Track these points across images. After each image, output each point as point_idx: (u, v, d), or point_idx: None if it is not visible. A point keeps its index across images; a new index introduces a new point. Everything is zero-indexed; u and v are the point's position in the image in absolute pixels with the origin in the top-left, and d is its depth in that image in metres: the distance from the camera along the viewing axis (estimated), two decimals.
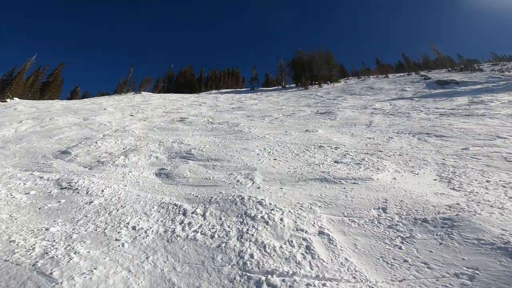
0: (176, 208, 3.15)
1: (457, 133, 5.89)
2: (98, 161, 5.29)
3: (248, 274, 1.98)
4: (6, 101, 20.47)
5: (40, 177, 4.35)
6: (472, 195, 3.02)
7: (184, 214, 3.00)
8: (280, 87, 34.77)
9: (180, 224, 2.78)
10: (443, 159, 4.38)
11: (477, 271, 1.84)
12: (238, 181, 3.96)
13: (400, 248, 2.21)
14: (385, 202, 3.00)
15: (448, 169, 3.93)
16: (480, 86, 14.60)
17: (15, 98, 22.76)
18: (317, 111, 10.95)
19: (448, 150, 4.86)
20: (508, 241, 2.06)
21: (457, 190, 3.20)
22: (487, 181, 3.38)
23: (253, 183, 3.84)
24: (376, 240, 2.36)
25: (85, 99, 27.90)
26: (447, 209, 2.71)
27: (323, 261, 2.09)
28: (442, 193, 3.14)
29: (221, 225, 2.72)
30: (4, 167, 4.99)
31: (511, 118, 6.77)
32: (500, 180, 3.37)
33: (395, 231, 2.46)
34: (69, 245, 2.40)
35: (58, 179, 4.26)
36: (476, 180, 3.46)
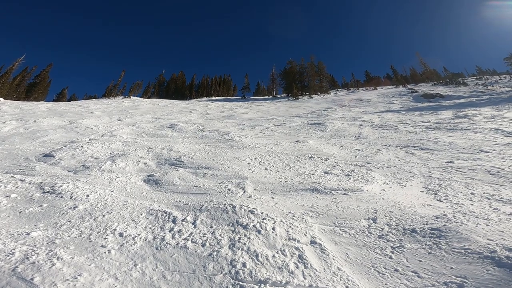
0: (166, 215, 3.08)
1: (442, 146, 6.07)
2: (83, 165, 5.13)
3: (240, 283, 1.94)
4: None
5: (22, 180, 4.17)
6: (458, 206, 3.12)
7: (174, 221, 2.93)
8: (271, 96, 35.14)
9: (169, 231, 2.71)
10: (429, 172, 4.49)
11: (465, 280, 1.88)
12: (229, 189, 3.92)
13: (391, 257, 2.24)
14: (375, 212, 3.05)
15: (434, 182, 4.04)
16: (464, 100, 15.19)
17: (0, 98, 22.04)
18: (308, 121, 11.08)
19: (433, 163, 4.99)
20: (494, 250, 2.12)
21: (444, 202, 3.30)
22: (471, 193, 3.49)
23: (244, 192, 3.81)
24: (367, 250, 2.38)
25: (72, 101, 27.29)
26: (435, 219, 2.78)
27: (316, 270, 2.09)
28: (429, 204, 3.22)
29: (212, 233, 2.67)
30: None
31: (494, 132, 7.05)
32: (484, 193, 3.49)
33: (385, 241, 2.49)
34: (52, 251, 2.29)
35: (41, 182, 4.10)
36: (461, 192, 3.57)
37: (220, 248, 2.40)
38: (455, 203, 3.22)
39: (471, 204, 3.15)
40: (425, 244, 2.37)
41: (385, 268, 2.11)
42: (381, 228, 2.71)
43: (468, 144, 6.05)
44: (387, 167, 4.89)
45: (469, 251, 2.18)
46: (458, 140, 6.54)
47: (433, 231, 2.54)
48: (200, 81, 47.24)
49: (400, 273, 2.03)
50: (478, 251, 2.15)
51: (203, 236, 2.61)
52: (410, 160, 5.25)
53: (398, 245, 2.41)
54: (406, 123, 9.68)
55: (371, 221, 2.88)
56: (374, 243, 2.48)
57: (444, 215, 2.87)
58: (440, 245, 2.32)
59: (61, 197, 3.60)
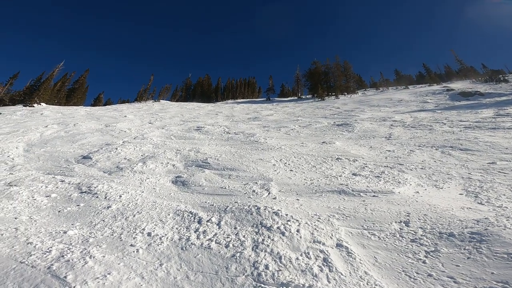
0: (191, 216, 3.13)
1: (483, 146, 5.60)
2: (117, 167, 5.41)
3: (262, 285, 1.91)
4: (33, 106, 21.63)
5: (62, 181, 4.48)
6: (501, 209, 2.87)
7: (199, 222, 2.97)
8: (296, 97, 34.74)
9: (195, 232, 2.76)
10: (469, 173, 4.16)
11: (507, 285, 1.74)
12: (253, 191, 3.91)
13: (424, 262, 2.10)
14: (408, 215, 2.87)
15: (475, 184, 3.73)
16: (506, 98, 13.93)
17: (42, 103, 24.00)
18: (334, 122, 10.79)
19: (474, 164, 4.61)
20: None
21: (485, 205, 3.05)
22: None
23: (269, 194, 3.78)
24: (398, 254, 2.25)
25: (107, 106, 28.99)
26: (475, 223, 2.57)
27: (341, 274, 2.00)
28: (469, 208, 2.99)
29: (236, 234, 2.67)
30: (28, 170, 5.19)
31: None
32: None
33: (418, 245, 2.34)
34: (85, 249, 2.42)
35: (79, 183, 4.38)
36: (504, 195, 3.28)
37: (243, 249, 2.39)
38: (497, 206, 2.96)
39: None
40: (464, 249, 2.20)
41: (417, 273, 1.98)
42: (414, 232, 2.55)
43: (511, 144, 5.53)
44: (421, 168, 4.60)
45: None
46: (501, 139, 6.00)
47: (473, 235, 2.35)
48: (225, 84, 48.07)
49: (434, 278, 1.90)
50: None
51: (227, 237, 2.62)
52: (448, 161, 4.89)
53: (433, 249, 2.25)
54: (442, 122, 9.07)
55: (403, 224, 2.72)
56: (406, 247, 2.34)
57: (485, 218, 2.65)
58: (480, 250, 2.15)
59: (97, 197, 3.81)
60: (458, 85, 22.92)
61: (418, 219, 2.79)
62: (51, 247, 2.44)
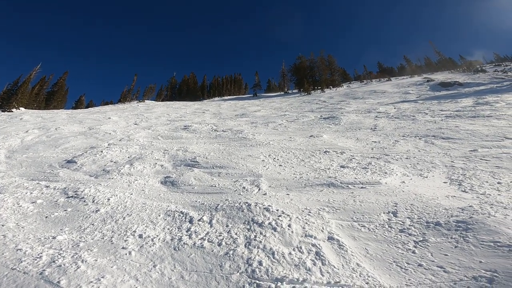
0: (183, 216, 3.12)
1: (464, 134, 5.82)
2: (103, 170, 5.29)
3: (257, 281, 1.93)
4: (12, 111, 20.79)
5: (47, 186, 4.36)
6: (484, 197, 2.98)
7: (191, 221, 2.97)
8: (283, 92, 34.85)
9: (186, 231, 2.75)
10: (452, 162, 4.32)
11: (495, 274, 1.79)
12: (244, 188, 3.93)
13: (414, 252, 2.17)
14: (395, 206, 2.96)
15: (458, 172, 3.88)
16: (484, 87, 14.48)
17: (21, 108, 23.09)
18: (321, 116, 10.93)
19: (456, 152, 4.79)
20: None
21: (469, 193, 3.17)
22: (498, 183, 3.33)
23: (259, 190, 3.81)
24: (388, 245, 2.31)
25: (90, 108, 28.23)
26: (460, 211, 2.67)
27: (334, 267, 2.05)
28: (454, 196, 3.10)
29: (228, 232, 2.69)
30: (11, 177, 5.01)
31: None
32: (511, 181, 3.31)
33: (407, 235, 2.42)
34: (76, 254, 2.38)
35: (65, 188, 4.27)
36: (487, 182, 3.41)
37: (236, 247, 2.41)
38: (481, 194, 3.08)
39: (499, 194, 3.00)
40: (451, 238, 2.28)
41: (408, 263, 2.04)
42: (403, 222, 2.63)
43: (491, 132, 5.77)
44: (406, 158, 4.74)
45: (498, 243, 2.07)
46: (481, 127, 6.25)
47: (459, 224, 2.44)
48: (211, 82, 47.60)
49: (425, 268, 1.96)
50: (509, 244, 2.04)
51: (219, 236, 2.63)
52: (431, 150, 5.06)
53: (422, 239, 2.32)
54: (424, 112, 9.35)
55: (391, 215, 2.80)
56: (395, 237, 2.41)
57: (470, 206, 2.75)
58: (467, 238, 2.22)
59: (84, 201, 3.73)
60: (438, 76, 23.60)
61: (405, 209, 2.87)
62: (41, 253, 2.39)
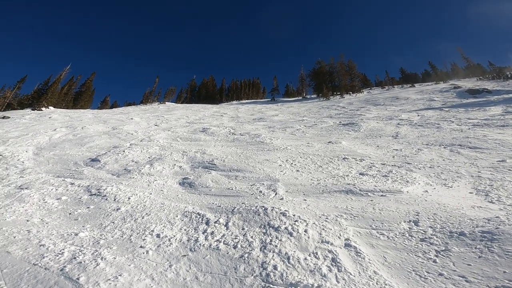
0: (199, 217, 3.16)
1: (492, 144, 5.52)
2: (125, 169, 5.47)
3: (271, 286, 1.92)
4: (41, 110, 21.98)
5: (72, 183, 4.55)
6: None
7: (207, 223, 2.99)
8: (301, 97, 34.65)
9: (203, 233, 2.78)
10: (479, 172, 4.11)
11: None
12: (260, 192, 3.92)
13: (435, 261, 2.08)
14: (417, 215, 2.85)
15: (485, 182, 3.69)
16: None
17: (50, 107, 24.38)
18: (340, 122, 10.74)
19: (483, 162, 4.55)
20: None
21: (496, 203, 3.02)
22: None
23: (276, 194, 3.78)
24: (407, 253, 2.23)
25: (114, 108, 29.34)
26: (486, 222, 2.54)
27: (350, 274, 2.00)
28: (480, 206, 2.96)
29: (244, 235, 2.68)
30: (38, 173, 5.28)
31: None
32: None
33: (428, 244, 2.33)
34: (96, 251, 2.46)
35: (88, 185, 4.44)
36: None
37: (251, 250, 2.40)
38: (508, 205, 2.92)
39: None
40: (475, 248, 2.18)
41: (428, 272, 1.96)
42: (424, 231, 2.53)
43: None
44: (430, 167, 4.55)
45: None
46: (510, 137, 5.91)
47: (484, 234, 2.33)
48: (229, 85, 48.24)
49: (445, 277, 1.88)
50: None
51: (235, 238, 2.63)
52: (456, 160, 4.84)
53: (444, 248, 2.23)
54: (450, 120, 8.96)
55: (412, 223, 2.70)
56: (416, 246, 2.32)
57: (496, 217, 2.62)
58: (492, 249, 2.12)
59: (106, 199, 3.86)
60: (465, 83, 22.60)
61: (428, 218, 2.76)
62: (63, 249, 2.48)
